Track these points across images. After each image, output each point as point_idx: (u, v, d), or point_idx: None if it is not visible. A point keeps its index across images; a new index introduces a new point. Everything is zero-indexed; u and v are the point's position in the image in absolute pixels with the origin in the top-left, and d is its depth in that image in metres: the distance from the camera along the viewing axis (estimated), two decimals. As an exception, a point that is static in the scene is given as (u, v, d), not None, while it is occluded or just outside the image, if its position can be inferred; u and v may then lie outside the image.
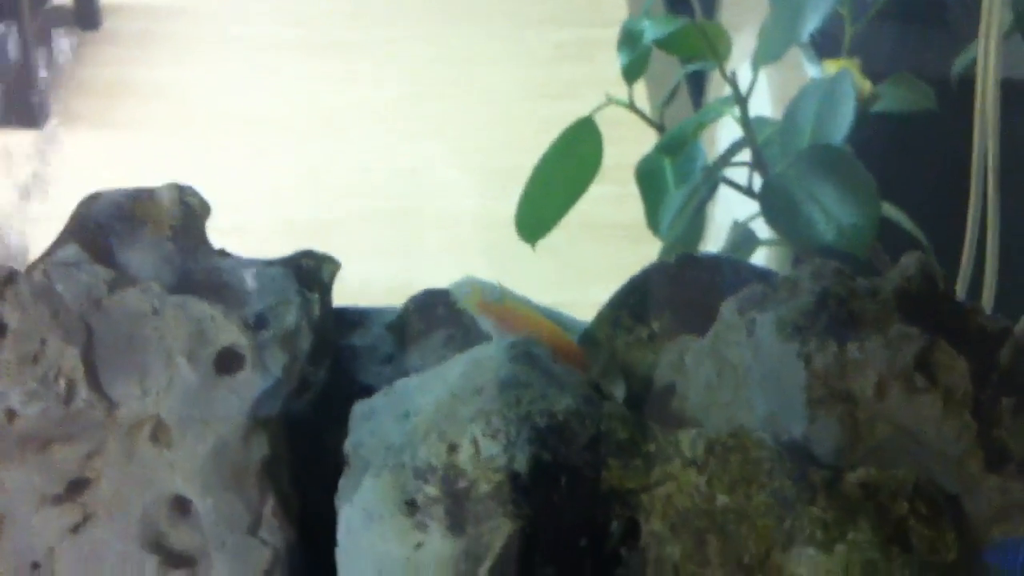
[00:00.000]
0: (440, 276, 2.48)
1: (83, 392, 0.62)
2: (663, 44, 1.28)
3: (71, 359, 0.61)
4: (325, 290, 0.71)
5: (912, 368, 0.65)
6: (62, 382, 0.61)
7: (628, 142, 1.45)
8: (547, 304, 2.38)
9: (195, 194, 0.70)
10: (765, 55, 1.26)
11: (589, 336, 0.78)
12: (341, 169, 2.59)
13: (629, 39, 1.28)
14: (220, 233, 2.30)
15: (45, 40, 2.82)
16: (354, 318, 0.78)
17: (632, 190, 1.34)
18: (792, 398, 0.66)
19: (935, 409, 0.65)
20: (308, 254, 0.71)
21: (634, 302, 0.79)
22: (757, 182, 1.24)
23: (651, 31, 1.24)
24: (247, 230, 2.34)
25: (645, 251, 1.32)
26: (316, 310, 0.67)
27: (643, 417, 0.66)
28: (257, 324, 0.64)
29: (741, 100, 1.32)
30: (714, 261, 0.79)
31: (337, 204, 2.48)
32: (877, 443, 0.67)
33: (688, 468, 0.64)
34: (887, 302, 0.66)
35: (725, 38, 1.26)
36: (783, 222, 1.22)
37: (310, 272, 0.70)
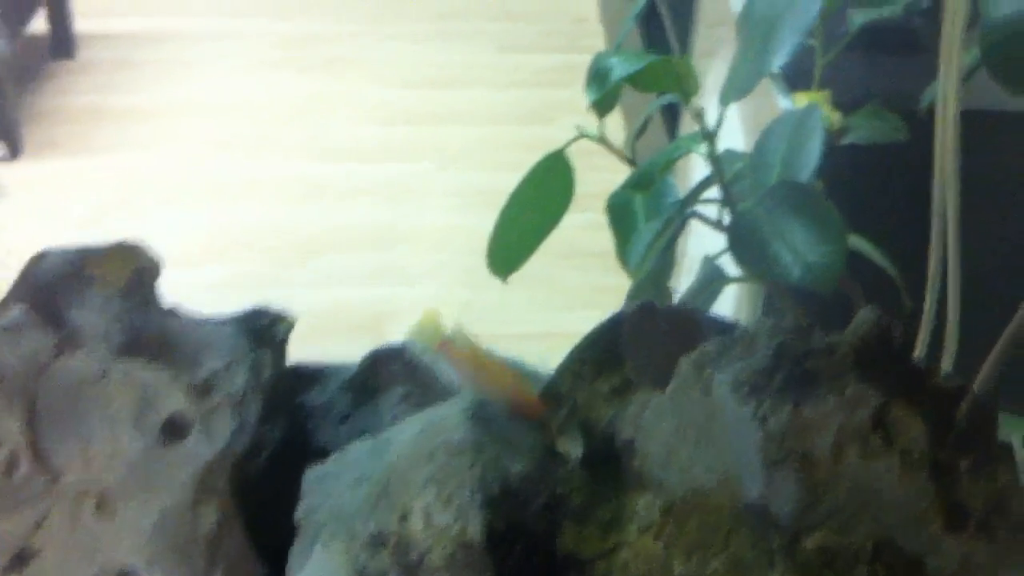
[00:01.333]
0: (419, 297, 2.45)
1: (25, 463, 0.61)
2: (631, 81, 1.27)
3: (13, 429, 0.60)
4: (279, 348, 0.70)
5: (869, 428, 0.64)
6: (4, 452, 0.60)
7: (605, 170, 1.45)
8: (522, 331, 2.36)
9: (145, 252, 0.69)
10: (733, 90, 1.26)
11: (551, 389, 0.77)
12: (323, 190, 2.58)
13: (598, 77, 1.27)
14: (201, 256, 2.28)
15: (19, 70, 2.81)
16: (311, 374, 0.77)
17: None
18: (750, 458, 0.66)
19: (893, 470, 0.65)
20: (261, 312, 0.70)
21: (595, 355, 0.78)
22: (727, 218, 1.24)
23: (619, 69, 1.24)
24: (227, 254, 2.34)
25: (620, 280, 1.32)
26: (267, 371, 0.66)
27: (599, 479, 0.65)
28: (205, 389, 0.63)
29: (709, 136, 1.32)
30: (675, 311, 0.79)
31: (318, 225, 2.47)
32: (837, 502, 0.66)
33: (645, 534, 0.64)
34: (844, 360, 0.65)
35: (693, 75, 1.26)
36: (750, 259, 1.22)
37: (263, 330, 0.69)
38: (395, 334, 2.28)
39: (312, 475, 0.67)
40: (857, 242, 1.24)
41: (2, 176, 2.59)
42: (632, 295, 1.36)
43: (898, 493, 0.65)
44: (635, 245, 1.31)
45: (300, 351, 2.12)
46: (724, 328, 0.79)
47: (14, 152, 2.66)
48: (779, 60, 1.26)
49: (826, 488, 0.65)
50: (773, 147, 1.30)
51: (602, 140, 1.30)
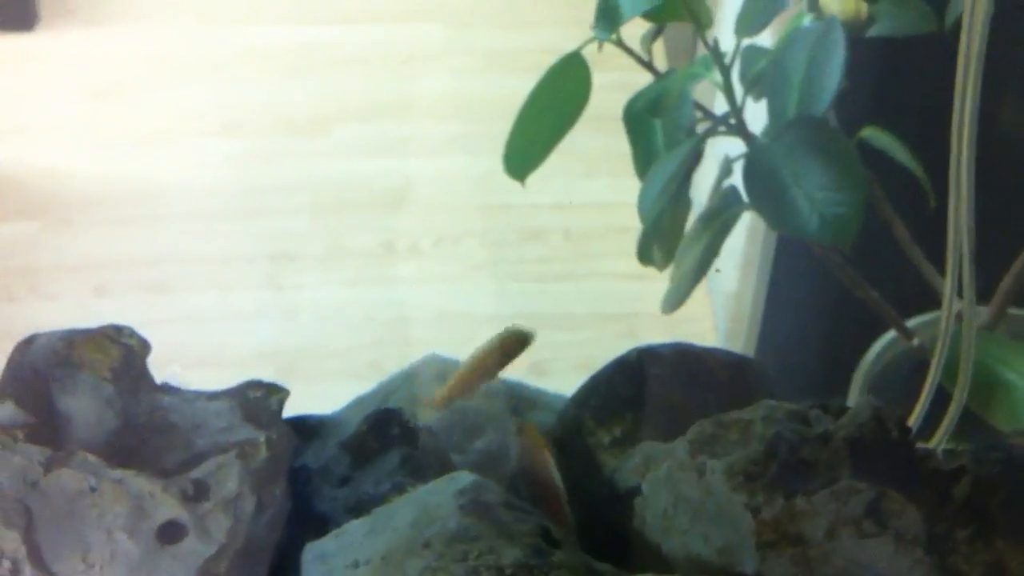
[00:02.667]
0: (440, 169, 2.36)
1: (28, 572, 0.62)
2: (644, 16, 1.21)
3: (13, 541, 0.62)
4: (274, 418, 0.70)
5: (862, 516, 0.64)
6: (6, 564, 0.61)
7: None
8: (540, 201, 2.28)
9: (133, 334, 0.68)
10: (748, 23, 1.19)
11: (557, 439, 0.77)
12: (334, 57, 2.47)
13: (607, 13, 1.21)
14: (219, 128, 2.18)
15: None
16: (311, 429, 0.77)
17: (635, 78, 1.29)
18: (744, 538, 0.66)
19: (886, 549, 0.65)
20: (255, 384, 0.70)
21: (596, 403, 0.77)
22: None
23: (630, 6, 1.17)
24: (243, 127, 2.28)
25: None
26: (261, 454, 0.67)
27: (592, 561, 0.66)
28: (198, 494, 0.63)
29: (723, 68, 1.26)
30: (676, 354, 0.77)
31: (331, 94, 2.37)
32: (832, 574, 0.66)
33: (640, 615, 0.65)
34: (838, 450, 0.64)
35: (706, 8, 1.19)
36: (766, 206, 1.19)
37: (257, 403, 0.69)
38: (416, 207, 2.24)
39: (310, 553, 0.68)
40: (883, 139, 1.20)
41: (20, 45, 2.52)
42: (641, 246, 1.33)
43: (892, 567, 0.65)
44: (646, 190, 1.27)
45: (324, 224, 2.09)
46: (729, 364, 0.78)
47: (30, 21, 2.59)
48: (791, -2, 1.18)
49: (821, 562, 0.66)
50: (793, 63, 1.23)
51: (618, 43, 1.25)
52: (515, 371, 0.93)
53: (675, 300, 1.26)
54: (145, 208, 2.09)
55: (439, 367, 0.86)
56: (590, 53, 1.25)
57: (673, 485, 0.69)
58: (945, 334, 1.10)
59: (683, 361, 0.77)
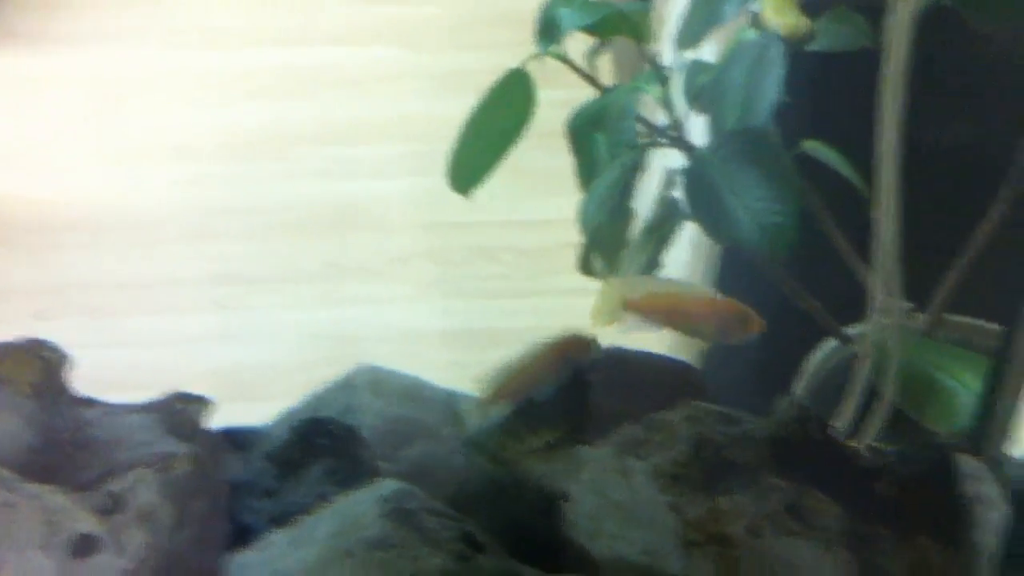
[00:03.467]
0: (393, 190, 2.35)
1: (-60, 589, 0.61)
2: (586, 30, 1.22)
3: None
4: (198, 431, 0.69)
5: (784, 516, 0.64)
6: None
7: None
8: (489, 219, 2.29)
9: (53, 348, 0.67)
10: (686, 37, 1.20)
11: (474, 443, 0.77)
12: (290, 81, 2.47)
13: (547, 27, 1.22)
14: (173, 153, 2.13)
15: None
16: (238, 442, 0.77)
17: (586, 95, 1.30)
18: (669, 539, 0.66)
19: (811, 548, 0.65)
20: (180, 396, 0.69)
21: (529, 409, 0.77)
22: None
23: (568, 20, 1.18)
24: (199, 151, 2.27)
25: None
26: (183, 466, 0.66)
27: (517, 566, 0.66)
28: (114, 506, 0.62)
29: (663, 80, 1.27)
30: (608, 361, 0.77)
31: (287, 117, 2.37)
32: (758, 573, 0.66)
33: (565, 620, 0.64)
34: (761, 449, 0.65)
35: (647, 24, 1.20)
36: (705, 216, 1.19)
37: (182, 415, 0.68)
38: (367, 228, 2.23)
39: (234, 564, 0.67)
40: (823, 151, 1.21)
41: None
42: (582, 257, 1.34)
43: (817, 566, 0.65)
44: (588, 201, 1.28)
45: (275, 246, 2.07)
46: (661, 368, 0.78)
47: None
48: (733, 10, 1.19)
49: (746, 560, 0.66)
50: (733, 77, 1.25)
51: (563, 58, 1.25)
52: (468, 384, 0.92)
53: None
54: (91, 232, 2.07)
55: (372, 376, 0.85)
56: (539, 70, 1.26)
57: (600, 488, 0.69)
58: (874, 339, 1.11)
59: (616, 366, 0.77)
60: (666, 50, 1.27)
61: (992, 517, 0.81)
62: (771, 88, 1.19)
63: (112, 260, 2.00)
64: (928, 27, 1.13)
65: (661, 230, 1.31)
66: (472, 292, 2.04)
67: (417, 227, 2.10)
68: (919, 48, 1.08)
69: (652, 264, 1.32)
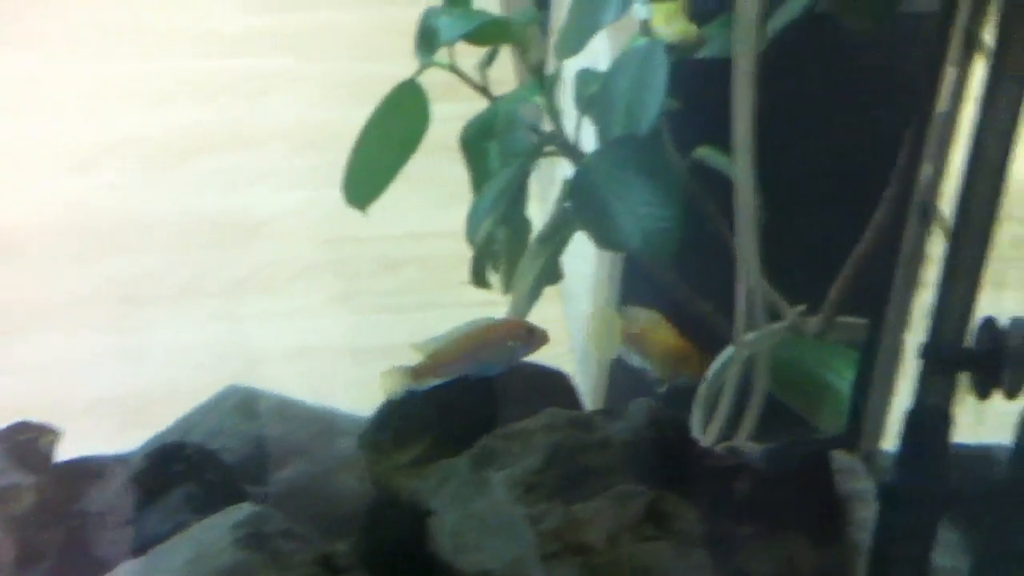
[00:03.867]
0: (290, 202, 2.30)
1: None
2: (465, 39, 1.22)
3: None
4: (45, 461, 0.67)
5: (641, 521, 0.64)
6: None
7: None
8: (402, 231, 2.27)
9: None
10: (565, 48, 1.20)
11: (345, 463, 0.75)
12: (185, 89, 2.41)
13: (426, 37, 1.21)
14: (68, 164, 2.02)
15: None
16: (94, 470, 0.74)
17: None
18: (528, 550, 0.65)
19: (669, 552, 0.65)
20: (23, 426, 0.66)
21: (395, 424, 0.76)
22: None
23: (447, 30, 1.17)
24: (95, 161, 2.20)
25: (500, 172, 1.30)
26: (28, 498, 0.63)
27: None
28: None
29: (547, 90, 1.27)
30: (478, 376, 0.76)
31: (183, 127, 2.31)
32: (621, 580, 0.66)
33: (425, 638, 0.63)
34: (616, 454, 0.64)
35: (524, 32, 1.20)
36: (591, 222, 1.20)
37: (26, 446, 0.66)
38: (270, 242, 2.19)
39: (86, 599, 0.65)
40: (716, 158, 1.22)
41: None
42: (474, 269, 1.33)
43: (678, 570, 0.65)
44: (474, 213, 1.27)
45: (174, 262, 2.02)
46: (532, 376, 0.78)
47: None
48: (610, 17, 1.20)
49: (607, 569, 0.65)
50: (619, 84, 1.25)
51: (453, 69, 1.25)
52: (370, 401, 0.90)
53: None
54: (-16, 251, 2.01)
55: (242, 397, 0.84)
56: (443, 84, 1.25)
57: (461, 502, 0.68)
58: (756, 343, 1.13)
59: (485, 384, 0.76)
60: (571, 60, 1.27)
61: (867, 514, 0.82)
62: (656, 94, 1.20)
63: (10, 279, 1.94)
64: (805, 34, 1.15)
65: (554, 239, 1.31)
66: (376, 307, 2.01)
67: (320, 241, 2.07)
68: (794, 57, 1.10)
69: (547, 274, 1.32)
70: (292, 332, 1.93)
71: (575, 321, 1.96)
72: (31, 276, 1.97)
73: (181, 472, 0.71)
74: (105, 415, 1.82)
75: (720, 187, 1.19)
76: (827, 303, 1.23)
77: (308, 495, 0.78)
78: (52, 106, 2.31)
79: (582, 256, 1.71)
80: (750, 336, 1.24)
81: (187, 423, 0.82)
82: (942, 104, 0.81)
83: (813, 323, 1.25)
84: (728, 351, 1.35)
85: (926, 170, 0.81)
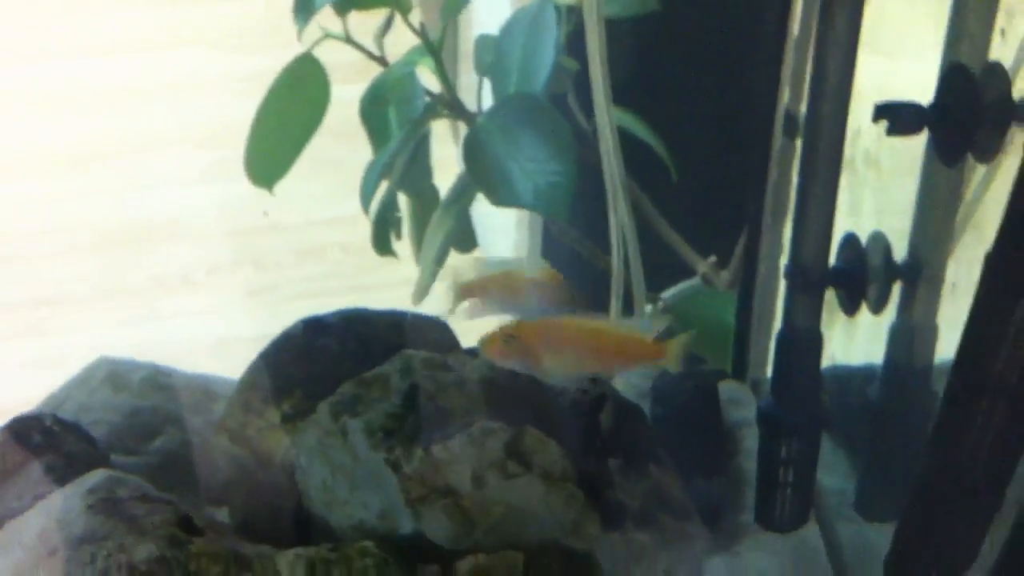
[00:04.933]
0: (204, 198, 2.29)
1: None
2: (351, 4, 1.20)
3: None
4: None
5: (504, 458, 0.63)
6: None
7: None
8: (319, 218, 2.23)
9: None
10: (449, 8, 1.19)
11: (218, 426, 0.74)
12: (84, 92, 2.35)
13: (303, 5, 1.20)
14: None
15: None
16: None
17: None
18: (394, 497, 0.64)
19: (536, 488, 0.64)
20: None
21: (263, 382, 0.74)
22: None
23: (322, -6, 1.16)
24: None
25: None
26: None
27: (241, 545, 0.63)
28: None
29: (434, 52, 1.26)
30: (343, 323, 0.75)
31: (84, 131, 2.26)
32: (494, 521, 0.65)
33: (291, 591, 0.62)
34: (473, 393, 0.63)
35: (409, -11, 1.18)
36: (485, 181, 1.19)
37: None
38: (185, 238, 2.16)
39: (-60, 581, 0.63)
40: (623, 118, 1.21)
41: None
42: (374, 234, 1.32)
43: (547, 506, 0.64)
44: (367, 178, 1.26)
45: (88, 265, 1.98)
46: (396, 324, 0.76)
47: None
48: (485, -21, 1.19)
49: (479, 511, 0.64)
50: (511, 45, 1.25)
51: (348, 40, 1.23)
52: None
53: (421, 289, 1.26)
54: None
55: (111, 370, 0.82)
56: (355, 64, 1.23)
57: (325, 453, 0.66)
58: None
59: (351, 327, 0.75)
60: (474, 29, 1.26)
61: (756, 442, 0.82)
62: (547, 53, 1.19)
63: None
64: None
65: (458, 203, 1.30)
66: (301, 293, 1.99)
67: (238, 233, 2.05)
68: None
69: (456, 240, 1.31)
70: (215, 326, 1.90)
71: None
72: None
73: (40, 444, 0.69)
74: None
75: (627, 147, 1.19)
76: (736, 254, 1.23)
77: (184, 463, 0.76)
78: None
79: (502, 229, 1.70)
80: (667, 293, 1.24)
81: (56, 399, 0.80)
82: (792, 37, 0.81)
83: (724, 275, 1.26)
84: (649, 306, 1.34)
85: (786, 90, 0.80)
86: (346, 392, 0.66)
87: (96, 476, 0.64)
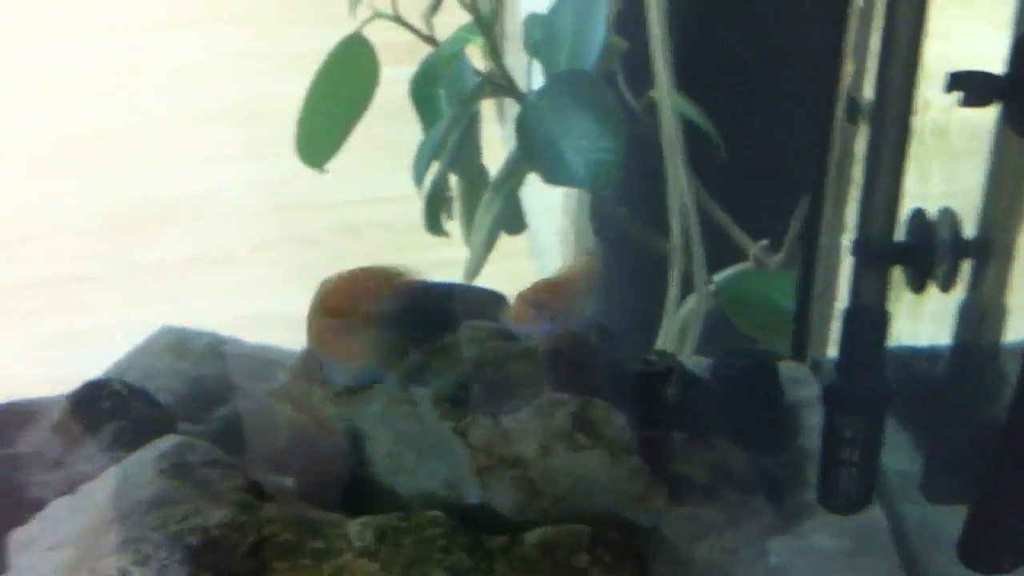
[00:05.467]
0: (240, 179, 2.30)
1: None
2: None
3: None
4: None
5: (571, 430, 0.63)
6: None
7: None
8: (358, 198, 2.23)
9: None
10: (501, -18, 1.19)
11: (280, 395, 0.74)
12: (126, 72, 2.36)
13: (363, -19, 1.20)
14: None
15: None
16: (22, 414, 0.73)
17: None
18: (462, 466, 0.64)
19: (602, 460, 0.64)
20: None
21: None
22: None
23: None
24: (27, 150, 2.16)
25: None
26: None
27: (310, 512, 0.64)
28: None
29: (486, 29, 1.26)
30: (417, 294, 0.75)
31: (125, 110, 2.27)
32: (559, 493, 0.65)
33: (360, 558, 0.62)
34: (541, 364, 0.63)
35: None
36: (537, 159, 1.19)
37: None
38: (229, 215, 2.17)
39: (16, 539, 0.64)
40: (676, 101, 1.21)
41: None
42: (427, 214, 1.32)
43: (613, 478, 0.64)
44: (419, 156, 1.26)
45: (129, 241, 1.99)
46: (477, 300, 0.76)
47: None
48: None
49: (545, 481, 0.65)
50: (562, 22, 1.24)
51: (397, 19, 1.23)
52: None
53: (472, 270, 1.26)
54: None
55: (174, 338, 0.82)
56: (402, 45, 1.23)
57: (391, 421, 0.67)
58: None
59: (419, 297, 0.75)
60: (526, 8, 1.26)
61: (817, 421, 0.81)
62: (598, 29, 1.19)
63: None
64: None
65: (507, 185, 1.30)
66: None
67: (280, 211, 2.05)
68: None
69: (506, 222, 1.31)
70: (254, 302, 1.92)
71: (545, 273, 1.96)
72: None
73: (110, 409, 0.70)
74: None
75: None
76: (789, 235, 1.22)
77: (247, 430, 0.77)
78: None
79: (549, 210, 1.70)
80: (719, 276, 1.24)
81: (120, 366, 0.81)
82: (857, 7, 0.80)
83: (777, 258, 1.25)
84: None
85: (849, 67, 0.79)
86: (413, 361, 0.66)
87: (168, 441, 0.65)
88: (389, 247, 2.02)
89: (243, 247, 1.99)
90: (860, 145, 0.81)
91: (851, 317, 0.72)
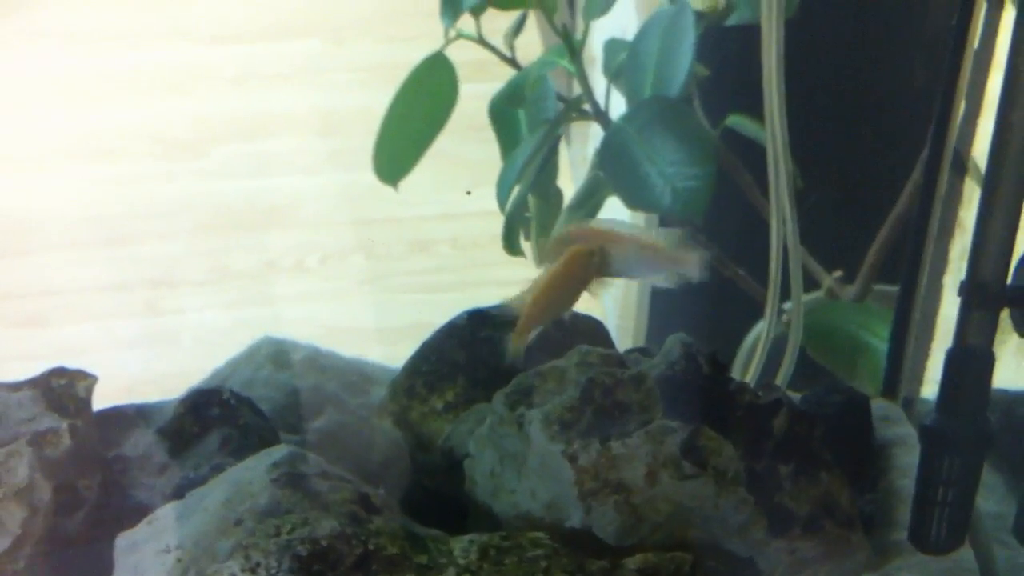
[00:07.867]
0: (315, 186, 2.33)
1: None
2: (492, 4, 1.22)
3: None
4: (82, 405, 0.67)
5: (679, 457, 0.63)
6: None
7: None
8: (430, 213, 2.26)
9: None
10: (593, 8, 1.20)
11: (379, 409, 0.75)
12: (208, 77, 2.40)
13: (449, 2, 1.21)
14: (92, 154, 2.05)
15: None
16: (129, 418, 0.74)
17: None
18: (567, 489, 0.65)
19: (708, 489, 0.64)
20: (58, 371, 0.66)
21: (428, 369, 0.75)
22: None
23: (470, -5, 1.17)
24: (119, 151, 2.20)
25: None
26: (64, 441, 0.64)
27: (415, 527, 0.64)
28: (-12, 482, 0.60)
29: (574, 53, 1.27)
30: (505, 316, 0.76)
31: (206, 114, 2.30)
32: (661, 519, 0.65)
33: (463, 575, 0.63)
34: (651, 391, 0.64)
35: (555, -9, 1.19)
36: (622, 183, 1.19)
37: (62, 391, 0.66)
38: (300, 225, 2.20)
39: (122, 543, 0.65)
40: (748, 126, 1.21)
41: None
42: (505, 235, 1.33)
43: (718, 507, 0.64)
44: (503, 178, 1.27)
45: (204, 246, 2.03)
46: (573, 326, 0.77)
47: None
48: (640, -24, 1.19)
49: (648, 507, 0.65)
50: (647, 48, 1.25)
51: (480, 40, 1.25)
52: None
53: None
54: (13, 240, 2.02)
55: (275, 348, 0.84)
56: (475, 62, 1.25)
57: (496, 441, 0.67)
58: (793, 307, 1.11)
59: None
60: (597, 34, 1.27)
61: (909, 460, 0.81)
62: (684, 56, 1.19)
63: (36, 267, 1.95)
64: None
65: (585, 207, 1.31)
66: (407, 287, 2.02)
67: (351, 223, 2.07)
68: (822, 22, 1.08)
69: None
70: (324, 312, 1.94)
71: (608, 293, 1.96)
72: (59, 264, 1.98)
73: (217, 417, 0.71)
74: (143, 396, 1.84)
75: (752, 156, 1.18)
76: (864, 268, 1.22)
77: (343, 442, 0.78)
78: (67, 96, 2.31)
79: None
80: (787, 304, 1.24)
81: (221, 375, 0.82)
82: (972, 49, 0.80)
83: (850, 289, 1.24)
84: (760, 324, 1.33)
85: (958, 115, 0.79)
86: (522, 383, 0.66)
87: (280, 451, 0.66)
88: (458, 263, 2.03)
89: (312, 257, 2.01)
90: (968, 185, 0.81)
91: (956, 357, 0.72)
